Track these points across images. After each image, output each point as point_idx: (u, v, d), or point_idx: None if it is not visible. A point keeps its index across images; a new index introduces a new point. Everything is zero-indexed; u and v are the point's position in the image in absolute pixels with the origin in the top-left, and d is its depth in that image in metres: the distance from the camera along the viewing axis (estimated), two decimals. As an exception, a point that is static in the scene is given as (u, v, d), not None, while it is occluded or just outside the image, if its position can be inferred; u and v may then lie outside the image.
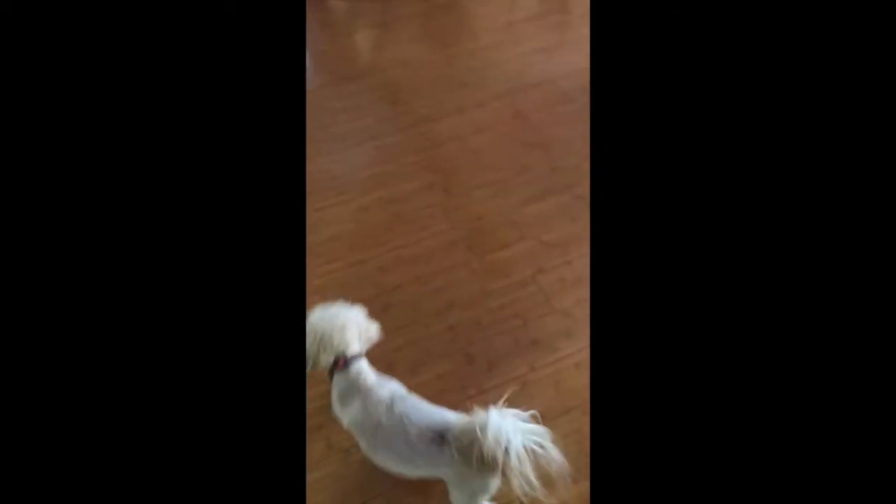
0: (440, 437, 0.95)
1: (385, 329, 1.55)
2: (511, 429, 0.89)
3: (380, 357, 1.47)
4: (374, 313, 1.59)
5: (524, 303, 1.58)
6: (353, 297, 1.61)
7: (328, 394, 1.41)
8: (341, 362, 1.08)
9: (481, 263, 1.68)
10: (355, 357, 1.09)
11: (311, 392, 1.43)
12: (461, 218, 1.82)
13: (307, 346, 1.06)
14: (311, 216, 1.85)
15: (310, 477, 1.30)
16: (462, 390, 1.42)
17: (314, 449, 1.34)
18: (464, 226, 1.79)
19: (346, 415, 1.10)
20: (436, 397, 1.38)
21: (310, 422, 1.38)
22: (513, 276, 1.64)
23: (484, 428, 0.88)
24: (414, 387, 1.41)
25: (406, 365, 1.46)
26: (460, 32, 2.57)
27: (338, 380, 1.10)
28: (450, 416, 1.01)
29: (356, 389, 1.06)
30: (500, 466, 0.88)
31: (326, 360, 1.07)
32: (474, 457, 0.88)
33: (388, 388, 1.08)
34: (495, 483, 0.97)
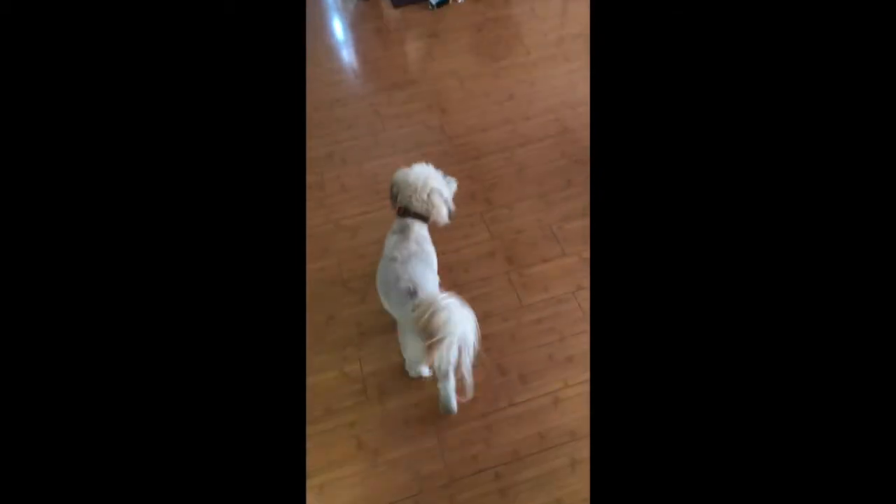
0: (413, 292, 1.19)
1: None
2: (460, 320, 1.09)
3: (414, 361, 1.48)
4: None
5: (561, 318, 1.56)
6: (391, 300, 1.64)
7: (361, 392, 1.44)
8: (401, 210, 1.37)
9: (520, 276, 1.68)
10: (414, 214, 1.35)
11: (344, 389, 1.46)
12: (502, 229, 1.82)
13: (400, 182, 1.37)
14: (356, 220, 1.89)
15: (337, 473, 1.32)
16: (493, 401, 1.42)
17: (345, 446, 1.36)
18: (505, 237, 1.80)
19: (386, 245, 1.36)
20: (466, 408, 1.39)
21: (342, 418, 1.41)
22: (551, 291, 1.63)
23: (440, 309, 1.07)
24: (446, 393, 1.41)
25: (439, 371, 1.47)
26: (511, 46, 2.59)
27: (397, 221, 1.38)
28: (431, 287, 1.24)
29: (400, 231, 1.34)
30: (433, 341, 1.08)
31: (397, 201, 1.38)
32: (420, 320, 1.09)
33: (416, 244, 1.32)
34: (421, 349, 1.14)
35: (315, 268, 1.76)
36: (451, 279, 1.68)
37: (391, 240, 1.34)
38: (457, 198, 1.93)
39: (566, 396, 1.42)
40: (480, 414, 1.40)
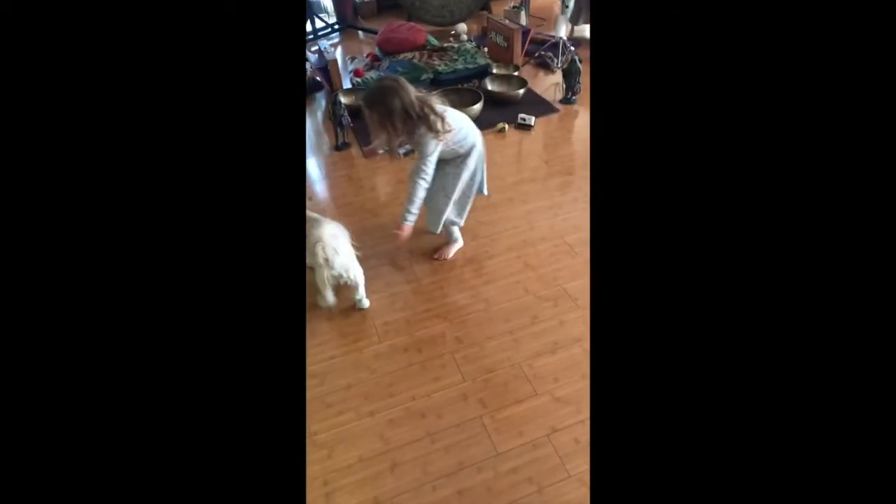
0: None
1: (392, 491, 1.48)
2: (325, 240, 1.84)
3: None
4: (380, 473, 1.54)
5: (538, 466, 1.52)
6: (360, 454, 1.57)
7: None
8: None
9: (493, 420, 1.65)
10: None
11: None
12: (474, 369, 1.83)
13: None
14: (326, 364, 1.87)
15: None
16: (473, 569, 1.31)
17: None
18: (476, 377, 1.80)
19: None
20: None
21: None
22: (526, 436, 1.60)
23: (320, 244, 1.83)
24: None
25: (413, 535, 1.37)
26: (473, 190, 2.82)
27: None
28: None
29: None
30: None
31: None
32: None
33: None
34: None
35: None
36: (423, 427, 1.64)
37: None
38: (428, 338, 1.95)
39: (550, 557, 1.32)
40: (460, 585, 1.28)
